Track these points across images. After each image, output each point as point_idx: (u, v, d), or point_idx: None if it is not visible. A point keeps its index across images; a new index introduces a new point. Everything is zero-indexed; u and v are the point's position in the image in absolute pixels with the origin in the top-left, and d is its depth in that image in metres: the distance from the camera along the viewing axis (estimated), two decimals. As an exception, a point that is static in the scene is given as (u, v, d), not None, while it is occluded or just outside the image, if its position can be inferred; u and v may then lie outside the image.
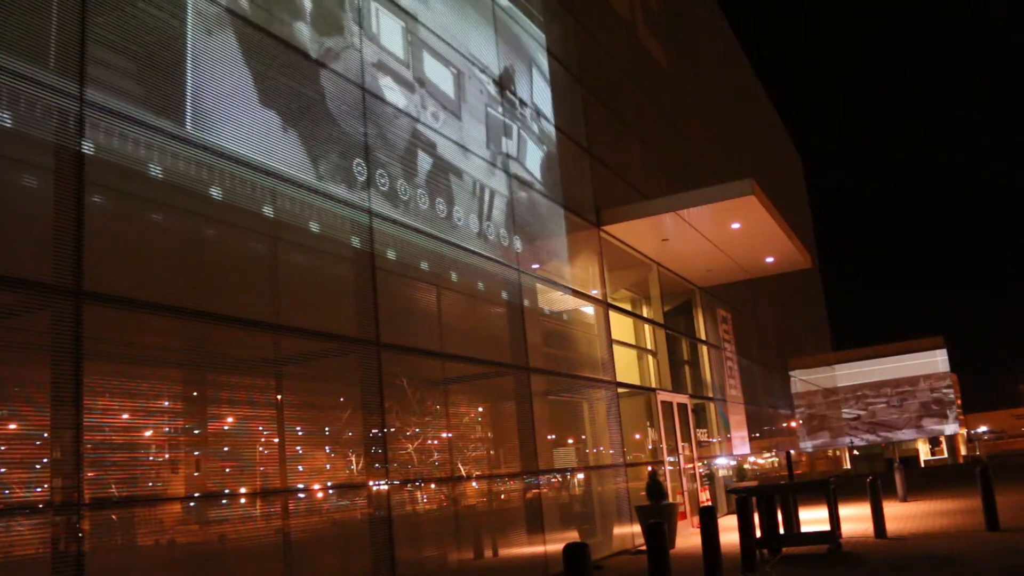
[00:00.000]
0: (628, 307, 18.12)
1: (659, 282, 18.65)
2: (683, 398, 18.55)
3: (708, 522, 9.31)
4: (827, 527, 11.84)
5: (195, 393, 7.55)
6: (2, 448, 5.73)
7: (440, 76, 11.29)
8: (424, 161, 10.45)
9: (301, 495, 7.90)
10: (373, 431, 8.74)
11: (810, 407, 39.25)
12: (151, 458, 6.86)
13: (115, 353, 6.42)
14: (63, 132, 6.01)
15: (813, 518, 14.84)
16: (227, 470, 7.44)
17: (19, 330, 5.81)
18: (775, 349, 31.79)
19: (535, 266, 12.92)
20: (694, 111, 24.77)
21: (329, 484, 8.45)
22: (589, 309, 15.18)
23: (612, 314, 15.65)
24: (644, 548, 9.12)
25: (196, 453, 7.34)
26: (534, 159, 13.58)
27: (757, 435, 25.85)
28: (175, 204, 7.28)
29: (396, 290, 9.75)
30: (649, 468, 15.16)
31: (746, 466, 22.96)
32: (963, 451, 67.78)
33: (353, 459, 8.83)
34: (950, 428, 60.56)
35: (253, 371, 7.87)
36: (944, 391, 58.65)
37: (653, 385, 17.71)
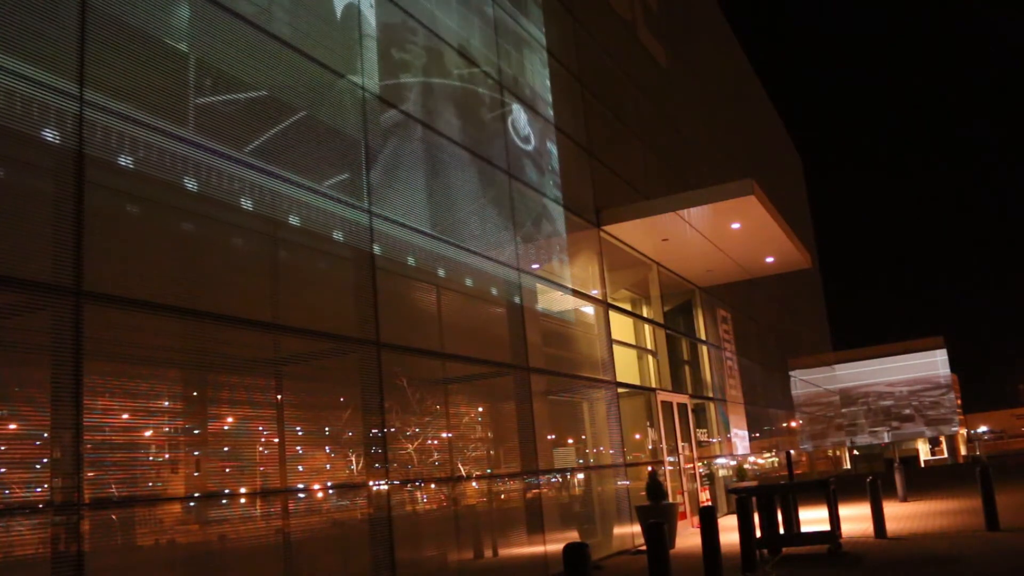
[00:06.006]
0: (628, 307, 18.11)
1: (659, 282, 18.65)
2: (683, 398, 18.55)
3: (708, 522, 9.31)
4: (827, 527, 11.83)
5: (195, 393, 7.55)
6: (2, 448, 5.73)
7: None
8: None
9: (301, 495, 7.90)
10: (373, 431, 8.74)
11: (810, 407, 39.25)
12: (151, 458, 6.86)
13: (115, 353, 6.42)
14: (63, 132, 6.01)
15: (813, 518, 14.84)
16: (227, 470, 7.44)
17: (19, 330, 5.81)
18: (775, 349, 31.78)
19: (535, 266, 12.92)
20: (694, 111, 24.77)
21: (329, 484, 8.44)
22: (589, 309, 15.18)
23: (612, 314, 15.65)
24: (644, 548, 9.12)
25: (196, 453, 7.34)
26: (535, 159, 13.57)
27: (757, 435, 25.84)
28: (175, 204, 7.28)
29: (396, 290, 9.75)
30: (649, 468, 15.16)
31: (746, 466, 22.96)
32: (963, 451, 67.82)
33: (353, 459, 8.83)
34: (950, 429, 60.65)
35: (253, 371, 7.87)
36: (945, 398, 58.84)
37: (653, 385, 17.71)
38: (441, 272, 10.57)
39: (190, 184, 7.14)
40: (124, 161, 6.54)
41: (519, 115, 13.27)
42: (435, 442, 10.21)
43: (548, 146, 14.23)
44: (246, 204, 7.71)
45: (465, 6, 12.26)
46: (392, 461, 8.98)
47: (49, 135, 5.97)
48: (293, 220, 8.27)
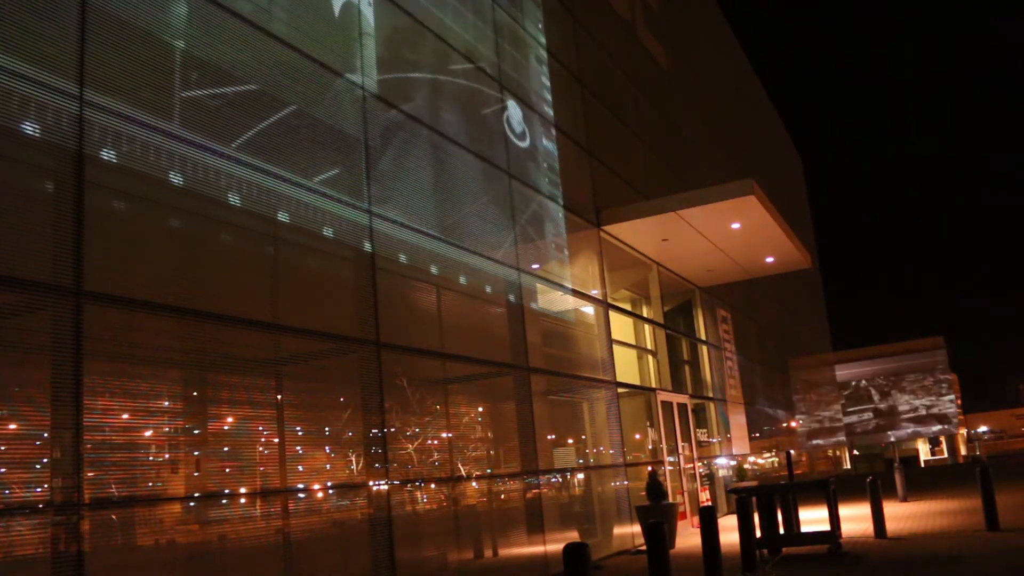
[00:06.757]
0: (628, 307, 18.11)
1: (659, 282, 18.65)
2: (683, 398, 18.55)
3: (708, 522, 9.31)
4: (827, 527, 11.83)
5: (195, 393, 7.55)
6: (2, 448, 5.73)
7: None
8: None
9: (301, 495, 7.90)
10: (373, 431, 8.74)
11: (810, 406, 39.25)
12: (151, 458, 6.86)
13: (115, 353, 6.42)
14: (63, 132, 6.01)
15: (813, 518, 14.84)
16: (227, 470, 7.44)
17: (19, 330, 5.81)
18: (775, 349, 31.78)
19: (535, 266, 12.92)
20: (694, 111, 24.77)
21: (329, 484, 8.45)
22: (589, 309, 15.18)
23: (612, 314, 15.65)
24: (644, 548, 9.12)
25: (196, 453, 7.34)
26: (535, 158, 13.57)
27: (757, 435, 25.84)
28: (174, 204, 7.28)
29: (396, 290, 9.75)
30: (649, 468, 15.16)
31: (746, 466, 22.95)
32: (963, 451, 67.81)
33: (353, 459, 8.83)
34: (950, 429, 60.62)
35: (253, 371, 7.87)
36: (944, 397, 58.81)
37: (653, 385, 17.71)
38: (441, 272, 10.57)
39: (190, 184, 7.14)
40: (124, 161, 6.54)
41: (518, 114, 13.27)
42: (435, 442, 10.21)
43: (548, 146, 14.23)
44: (245, 204, 7.71)
45: (465, 5, 12.26)
46: (392, 461, 8.98)
47: (49, 135, 5.97)
48: (293, 220, 8.27)
